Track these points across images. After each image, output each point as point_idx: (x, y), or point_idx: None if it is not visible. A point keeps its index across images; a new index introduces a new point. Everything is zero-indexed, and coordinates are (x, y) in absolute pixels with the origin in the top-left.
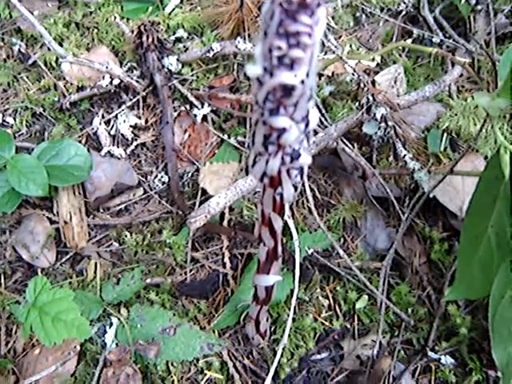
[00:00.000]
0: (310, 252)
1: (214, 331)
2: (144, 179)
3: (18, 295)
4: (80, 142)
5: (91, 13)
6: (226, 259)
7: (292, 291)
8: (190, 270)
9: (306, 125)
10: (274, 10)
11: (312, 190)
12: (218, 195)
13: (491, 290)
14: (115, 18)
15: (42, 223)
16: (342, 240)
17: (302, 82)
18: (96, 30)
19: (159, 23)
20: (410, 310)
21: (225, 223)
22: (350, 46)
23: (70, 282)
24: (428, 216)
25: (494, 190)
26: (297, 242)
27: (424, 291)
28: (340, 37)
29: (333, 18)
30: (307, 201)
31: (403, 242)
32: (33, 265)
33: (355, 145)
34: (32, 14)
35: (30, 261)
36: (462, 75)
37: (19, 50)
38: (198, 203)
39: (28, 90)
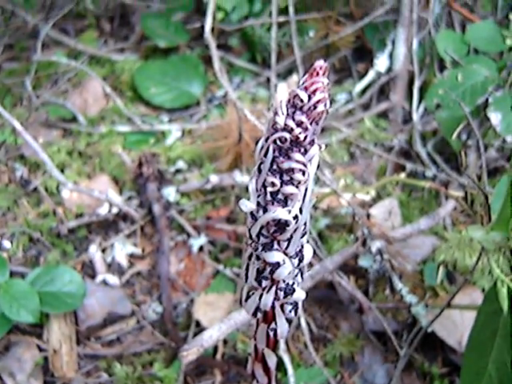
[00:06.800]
0: None
1: None
2: (138, 308)
3: None
4: (75, 268)
5: (94, 142)
6: None
7: None
8: None
9: (300, 260)
10: (267, 146)
11: (308, 323)
12: (212, 328)
13: None
14: (117, 148)
15: (30, 351)
16: (339, 376)
17: (296, 217)
18: (98, 159)
19: (160, 155)
20: None
21: (218, 356)
22: (345, 179)
23: None
24: (427, 351)
25: (493, 324)
26: (292, 377)
27: None
28: (335, 171)
29: (328, 152)
30: (303, 334)
31: (402, 378)
32: None
33: (351, 277)
34: (36, 141)
35: None
36: (455, 208)
37: (21, 175)
38: (191, 335)
39: (27, 214)
